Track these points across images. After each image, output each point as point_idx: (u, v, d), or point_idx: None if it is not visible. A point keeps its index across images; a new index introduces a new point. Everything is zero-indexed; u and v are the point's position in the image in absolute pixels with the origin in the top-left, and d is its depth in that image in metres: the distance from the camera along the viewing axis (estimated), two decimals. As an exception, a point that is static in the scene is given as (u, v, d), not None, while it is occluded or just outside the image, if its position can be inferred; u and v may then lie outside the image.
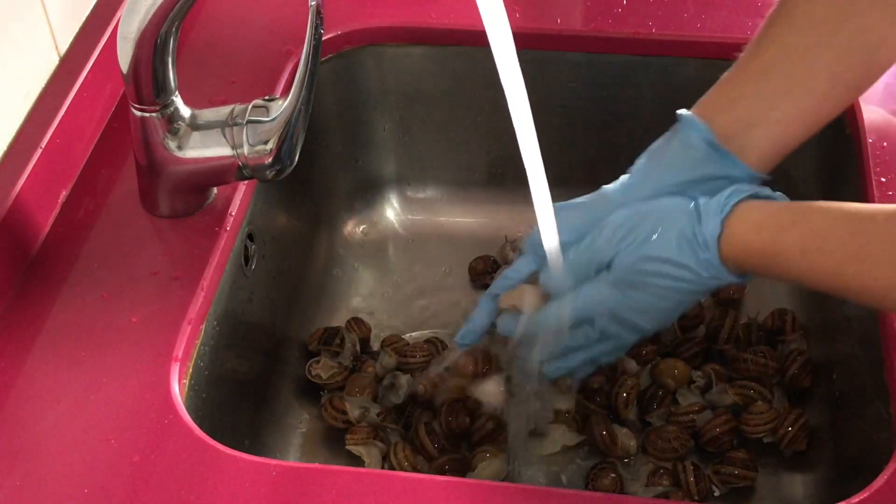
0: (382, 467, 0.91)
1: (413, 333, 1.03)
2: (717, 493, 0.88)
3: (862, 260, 0.68)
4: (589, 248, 0.80)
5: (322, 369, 0.96)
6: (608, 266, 0.79)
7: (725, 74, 0.81)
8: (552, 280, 0.82)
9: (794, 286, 1.04)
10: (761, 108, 0.79)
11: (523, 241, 0.87)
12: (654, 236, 0.76)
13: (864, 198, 0.88)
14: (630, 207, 0.79)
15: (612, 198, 0.81)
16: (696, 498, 0.86)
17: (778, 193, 0.77)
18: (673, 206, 0.77)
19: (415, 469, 0.88)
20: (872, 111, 0.93)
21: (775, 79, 0.79)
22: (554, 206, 0.80)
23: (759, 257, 0.73)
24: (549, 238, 0.81)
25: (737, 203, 0.74)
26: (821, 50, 0.78)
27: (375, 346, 1.02)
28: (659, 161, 0.81)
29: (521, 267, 0.86)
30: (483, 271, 1.06)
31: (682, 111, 0.80)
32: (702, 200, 0.75)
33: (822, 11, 0.78)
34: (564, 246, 0.81)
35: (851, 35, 0.77)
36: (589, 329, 0.81)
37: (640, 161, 0.82)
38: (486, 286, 1.04)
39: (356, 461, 0.91)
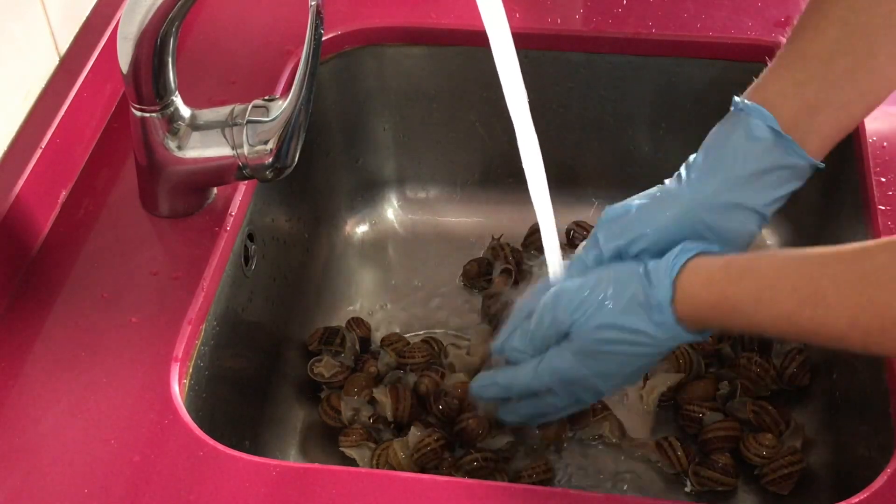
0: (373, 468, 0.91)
1: (413, 333, 1.03)
2: (687, 489, 0.88)
3: (816, 304, 0.67)
4: (545, 319, 0.78)
5: (324, 368, 0.97)
6: (567, 335, 0.77)
7: (780, 58, 0.77)
8: (514, 346, 0.82)
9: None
10: (827, 92, 0.76)
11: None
12: (609, 304, 0.75)
13: (865, 198, 0.88)
14: (585, 275, 0.78)
15: (676, 195, 0.77)
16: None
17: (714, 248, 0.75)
18: (624, 272, 0.75)
19: (399, 465, 0.89)
20: (872, 111, 0.93)
21: (842, 60, 0.75)
22: (611, 210, 0.79)
23: (714, 313, 0.72)
24: (549, 237, 0.81)
25: (686, 262, 0.73)
26: (880, 28, 0.75)
27: (376, 345, 1.02)
28: (721, 153, 0.77)
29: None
30: (477, 274, 1.06)
31: (741, 99, 0.76)
32: (651, 264, 0.74)
33: None
34: (623, 248, 0.78)
35: None
36: (550, 395, 0.81)
37: (700, 155, 0.78)
38: (480, 289, 1.05)
39: (352, 462, 0.91)
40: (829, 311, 0.66)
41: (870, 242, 0.66)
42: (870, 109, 0.78)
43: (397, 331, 1.03)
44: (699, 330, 0.74)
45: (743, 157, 0.75)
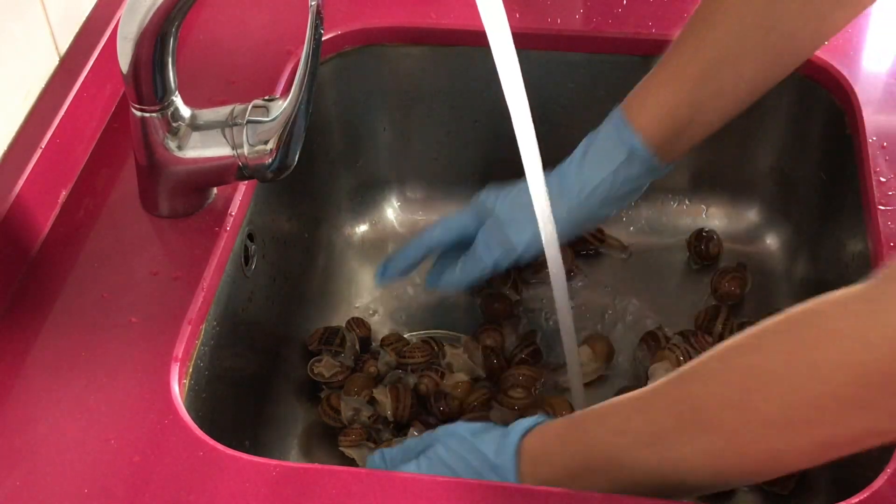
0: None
1: (412, 333, 1.03)
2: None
3: (654, 442, 0.66)
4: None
5: (324, 368, 0.97)
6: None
7: (660, 72, 0.85)
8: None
9: (795, 286, 1.04)
10: (694, 115, 0.83)
11: (474, 199, 0.93)
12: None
13: (865, 198, 0.88)
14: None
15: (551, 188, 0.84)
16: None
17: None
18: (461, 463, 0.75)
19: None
20: (872, 111, 0.93)
21: (710, 84, 0.82)
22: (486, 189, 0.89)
23: (570, 474, 0.70)
24: (549, 237, 0.81)
25: (523, 434, 0.72)
26: (752, 55, 0.81)
27: (376, 345, 1.02)
28: (595, 174, 0.87)
29: (463, 220, 0.93)
30: None
31: (620, 119, 0.86)
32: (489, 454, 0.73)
33: (752, 18, 0.81)
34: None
35: (779, 40, 0.81)
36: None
37: (577, 154, 0.89)
38: (479, 289, 1.05)
39: (353, 462, 0.91)
40: (670, 446, 0.65)
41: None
42: (720, 126, 0.86)
43: (396, 331, 1.03)
44: None
45: (617, 188, 0.86)
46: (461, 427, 0.77)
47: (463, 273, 0.93)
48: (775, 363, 0.60)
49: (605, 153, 0.86)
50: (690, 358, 0.94)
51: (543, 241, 0.82)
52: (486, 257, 0.91)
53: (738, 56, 0.82)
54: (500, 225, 0.90)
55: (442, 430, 0.79)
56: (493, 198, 0.92)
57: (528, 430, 0.72)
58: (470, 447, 0.74)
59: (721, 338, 0.97)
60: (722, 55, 0.82)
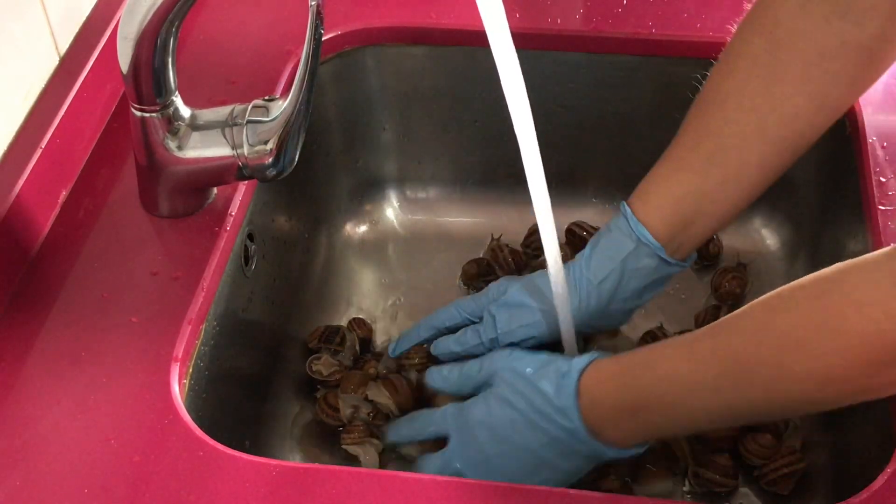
0: (379, 465, 0.91)
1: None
2: (685, 489, 0.88)
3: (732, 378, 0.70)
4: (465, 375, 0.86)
5: (323, 366, 0.97)
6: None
7: (662, 167, 0.84)
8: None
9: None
10: (700, 204, 0.83)
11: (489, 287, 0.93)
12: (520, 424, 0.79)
13: (865, 198, 0.88)
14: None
15: (544, 283, 0.85)
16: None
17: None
18: (524, 386, 0.80)
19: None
20: (872, 111, 0.93)
21: (714, 173, 0.82)
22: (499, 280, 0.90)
23: (621, 415, 0.75)
24: (548, 237, 0.81)
25: (585, 367, 0.77)
26: (754, 139, 0.81)
27: (380, 346, 1.02)
28: (608, 273, 0.85)
29: (475, 304, 0.93)
30: (476, 274, 1.06)
31: (627, 217, 0.84)
32: (547, 383, 0.78)
33: (749, 101, 0.80)
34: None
35: (780, 123, 0.80)
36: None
37: (587, 248, 0.87)
38: (478, 289, 1.05)
39: (355, 460, 0.91)
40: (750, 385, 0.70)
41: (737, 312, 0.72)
42: (735, 216, 0.85)
43: (396, 330, 1.03)
44: (612, 440, 0.77)
45: (627, 280, 0.85)
46: (519, 362, 0.82)
47: (459, 344, 0.93)
48: (805, 328, 0.66)
49: (614, 245, 0.85)
50: None
51: (543, 241, 0.81)
52: (488, 332, 0.91)
53: (740, 142, 0.81)
54: (511, 304, 0.90)
55: (500, 358, 0.84)
56: (506, 284, 0.92)
57: (583, 370, 0.77)
58: (532, 388, 0.79)
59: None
60: (723, 142, 0.81)
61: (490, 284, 0.93)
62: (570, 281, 0.85)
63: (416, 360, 0.97)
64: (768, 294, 0.70)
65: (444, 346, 0.93)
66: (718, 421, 0.78)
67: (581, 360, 0.78)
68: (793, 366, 0.67)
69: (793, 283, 0.68)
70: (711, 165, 0.82)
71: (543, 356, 0.82)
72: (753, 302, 0.70)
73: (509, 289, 0.90)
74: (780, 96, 0.79)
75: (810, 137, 0.81)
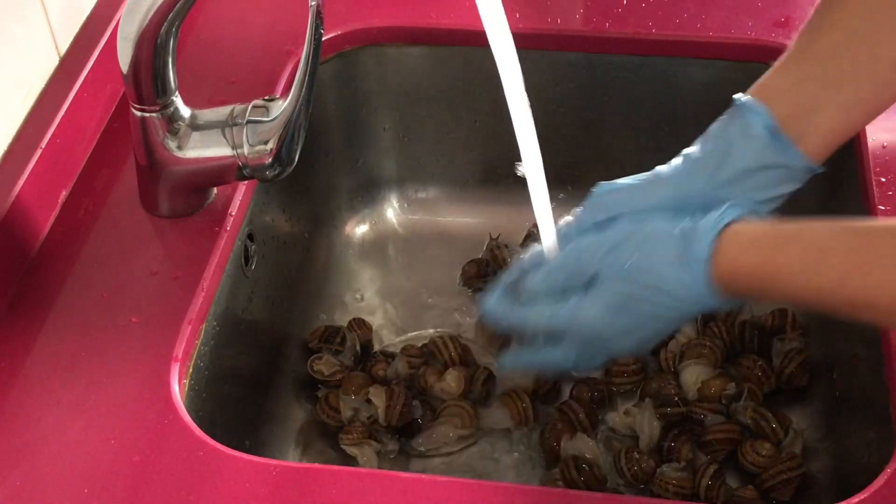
0: (377, 466, 0.91)
1: (411, 333, 1.03)
2: None
3: (865, 274, 0.66)
4: (570, 262, 0.76)
5: (324, 366, 0.97)
6: (592, 282, 0.75)
7: (783, 58, 0.77)
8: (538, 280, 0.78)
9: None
10: (826, 92, 0.76)
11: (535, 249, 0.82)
12: (638, 256, 0.73)
13: (865, 198, 0.88)
14: (617, 224, 0.75)
15: (666, 181, 0.77)
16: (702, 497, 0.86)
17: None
18: (658, 227, 0.73)
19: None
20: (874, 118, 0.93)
21: (841, 62, 0.76)
22: (601, 186, 0.78)
23: (755, 277, 0.70)
24: (548, 238, 0.81)
25: (728, 224, 0.71)
26: (884, 35, 0.75)
27: (390, 346, 1.02)
28: (715, 147, 0.76)
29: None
30: (475, 275, 1.06)
31: (741, 96, 0.76)
32: (688, 222, 0.72)
33: None
34: (599, 225, 0.77)
35: None
36: (557, 346, 0.76)
37: (696, 147, 0.77)
38: (478, 290, 1.05)
39: (354, 460, 0.91)
40: (878, 283, 0.65)
41: None
42: (871, 116, 0.78)
43: (396, 330, 1.03)
44: (734, 296, 0.72)
45: (737, 153, 0.75)
46: (625, 248, 0.74)
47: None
48: None
49: (721, 129, 0.77)
50: (722, 354, 0.95)
51: (542, 242, 0.81)
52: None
53: (869, 34, 0.75)
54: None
55: (594, 248, 0.75)
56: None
57: (713, 243, 0.70)
58: (655, 279, 0.72)
59: (729, 324, 0.97)
60: (851, 33, 0.76)
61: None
62: (691, 165, 0.77)
63: (414, 354, 0.98)
64: None
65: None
66: (864, 309, 0.69)
67: (711, 226, 0.71)
68: None
69: None
70: (838, 54, 0.76)
71: (651, 223, 0.74)
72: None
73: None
74: None
75: None
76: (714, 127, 0.77)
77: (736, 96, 0.77)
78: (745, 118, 0.76)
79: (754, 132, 0.75)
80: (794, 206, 1.07)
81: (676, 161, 0.77)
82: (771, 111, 0.75)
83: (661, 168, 0.77)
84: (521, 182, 0.79)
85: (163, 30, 0.77)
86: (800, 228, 0.70)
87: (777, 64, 0.77)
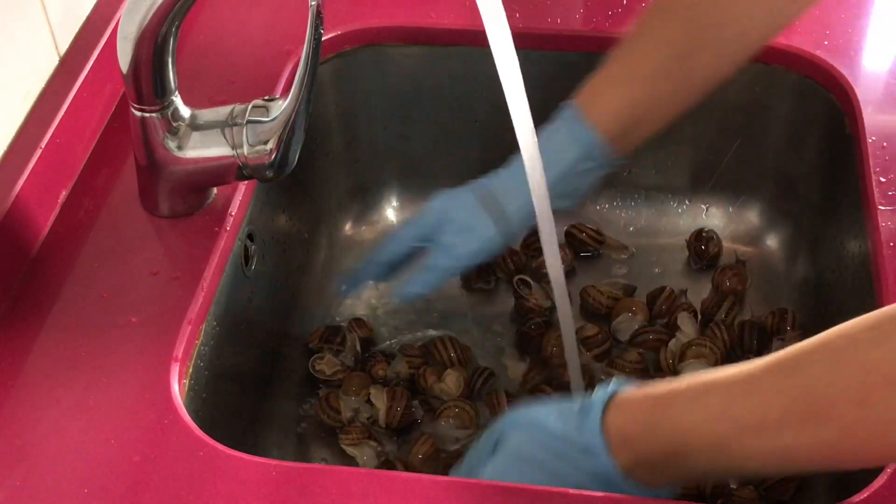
0: (377, 466, 0.91)
1: (410, 334, 1.03)
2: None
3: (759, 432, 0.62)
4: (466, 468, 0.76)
5: (326, 365, 0.97)
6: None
7: (612, 69, 0.85)
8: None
9: (796, 286, 1.04)
10: (651, 109, 0.85)
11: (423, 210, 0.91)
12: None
13: (865, 198, 0.88)
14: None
15: (496, 187, 0.86)
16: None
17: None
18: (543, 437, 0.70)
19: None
20: (872, 111, 0.93)
21: (665, 81, 0.84)
22: (437, 195, 0.88)
23: (663, 453, 0.66)
24: (548, 237, 0.81)
25: (609, 399, 0.68)
26: (706, 51, 0.83)
27: (391, 346, 1.02)
28: (547, 161, 0.80)
29: (417, 230, 0.90)
30: (475, 275, 1.06)
31: (574, 109, 0.85)
32: (570, 410, 0.69)
33: (706, 17, 0.82)
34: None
35: (732, 36, 0.83)
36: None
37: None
38: (478, 290, 1.05)
39: (353, 460, 0.91)
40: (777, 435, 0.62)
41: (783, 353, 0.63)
42: (675, 119, 0.87)
43: (396, 329, 1.03)
44: (645, 481, 0.67)
45: (567, 174, 0.85)
46: (524, 414, 0.72)
47: (422, 285, 0.89)
48: None
49: (561, 147, 0.85)
50: (722, 355, 0.96)
51: (542, 242, 0.82)
52: (459, 248, 0.88)
53: (692, 52, 0.83)
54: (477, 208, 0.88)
55: (504, 420, 0.74)
56: (448, 198, 0.90)
57: (607, 403, 0.68)
58: (548, 433, 0.69)
59: (729, 324, 0.98)
60: (677, 51, 0.83)
61: (428, 203, 0.90)
62: (515, 181, 0.83)
63: (414, 355, 0.97)
64: (847, 323, 0.61)
65: (406, 291, 0.91)
66: (772, 466, 0.68)
67: (601, 394, 0.68)
68: (881, 403, 0.58)
69: (878, 312, 0.60)
70: (664, 73, 0.84)
71: (547, 404, 0.72)
72: (828, 331, 0.62)
73: (449, 210, 0.88)
74: (737, 11, 0.82)
75: (755, 50, 0.85)
76: (546, 138, 0.84)
77: (570, 108, 0.86)
78: (572, 131, 0.85)
79: (580, 143, 0.85)
80: (794, 206, 1.08)
81: (507, 170, 0.87)
82: (603, 128, 0.84)
83: (490, 178, 0.87)
84: (521, 182, 0.79)
85: (163, 30, 0.77)
86: (672, 392, 0.67)
87: (606, 74, 0.86)
